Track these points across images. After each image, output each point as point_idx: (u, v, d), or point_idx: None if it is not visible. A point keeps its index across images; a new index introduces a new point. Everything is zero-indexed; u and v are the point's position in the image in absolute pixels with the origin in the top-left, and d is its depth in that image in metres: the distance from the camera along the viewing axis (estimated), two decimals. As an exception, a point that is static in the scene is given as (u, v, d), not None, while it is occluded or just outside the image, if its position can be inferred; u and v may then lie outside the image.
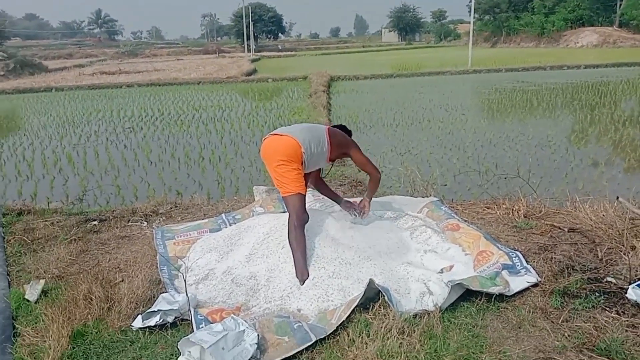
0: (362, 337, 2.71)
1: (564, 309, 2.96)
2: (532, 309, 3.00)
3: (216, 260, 3.68)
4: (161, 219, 4.84)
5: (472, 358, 2.60)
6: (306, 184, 3.79)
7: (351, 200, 4.26)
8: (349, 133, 4.08)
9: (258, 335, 2.66)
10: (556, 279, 3.25)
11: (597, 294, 3.06)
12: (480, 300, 3.08)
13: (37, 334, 2.88)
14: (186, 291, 2.98)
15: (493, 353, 2.64)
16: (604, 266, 3.37)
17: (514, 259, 3.43)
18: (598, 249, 3.59)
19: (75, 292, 3.16)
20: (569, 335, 2.74)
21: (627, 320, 2.82)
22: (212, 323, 2.83)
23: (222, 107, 14.71)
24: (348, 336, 2.75)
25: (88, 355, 2.74)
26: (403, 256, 3.61)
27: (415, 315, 2.92)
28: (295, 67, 28.64)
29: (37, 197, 6.45)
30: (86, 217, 4.88)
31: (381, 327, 2.75)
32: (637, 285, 3.00)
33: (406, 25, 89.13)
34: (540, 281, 3.25)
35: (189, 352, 2.59)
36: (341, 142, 3.83)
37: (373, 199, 4.95)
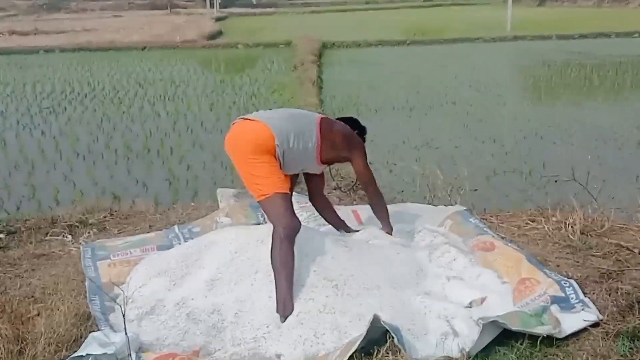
0: (363, 393, 2.72)
1: (634, 357, 2.98)
2: (591, 357, 3.01)
3: (166, 289, 3.66)
4: (92, 232, 4.81)
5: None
6: (291, 188, 3.80)
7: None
8: (363, 131, 4.09)
9: (223, 389, 2.66)
10: (623, 317, 3.27)
11: (677, 337, 3.09)
12: (522, 344, 3.09)
13: None
14: (125, 329, 2.97)
15: (539, 415, 2.66)
16: (687, 300, 3.41)
17: (567, 289, 3.46)
18: (679, 277, 3.63)
19: (-28, 330, 3.13)
20: (639, 392, 2.77)
21: None
22: (160, 373, 2.82)
23: (175, 82, 14.67)
24: (344, 391, 2.76)
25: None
26: (419, 284, 3.62)
27: (434, 364, 2.92)
28: (275, 29, 28.67)
29: None
30: (-12, 228, 4.86)
31: (389, 380, 2.76)
32: None
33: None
34: (601, 320, 3.27)
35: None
36: (340, 139, 3.81)
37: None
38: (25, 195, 6.61)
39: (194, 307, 3.42)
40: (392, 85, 13.70)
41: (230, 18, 41.02)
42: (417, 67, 16.91)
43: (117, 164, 7.81)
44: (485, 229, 4.39)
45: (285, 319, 3.22)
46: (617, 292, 3.51)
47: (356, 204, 5.20)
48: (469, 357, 2.97)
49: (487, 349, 3.07)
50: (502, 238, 4.28)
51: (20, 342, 3.08)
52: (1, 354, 3.00)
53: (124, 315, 2.96)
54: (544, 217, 4.70)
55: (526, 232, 4.55)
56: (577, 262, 4.02)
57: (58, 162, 7.93)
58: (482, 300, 3.50)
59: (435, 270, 3.83)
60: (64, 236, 4.73)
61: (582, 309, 3.31)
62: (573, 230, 4.40)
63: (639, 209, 4.69)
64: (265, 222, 4.49)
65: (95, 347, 2.95)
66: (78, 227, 4.90)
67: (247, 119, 3.66)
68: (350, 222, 4.60)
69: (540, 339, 3.09)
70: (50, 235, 4.74)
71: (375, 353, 2.95)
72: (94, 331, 3.18)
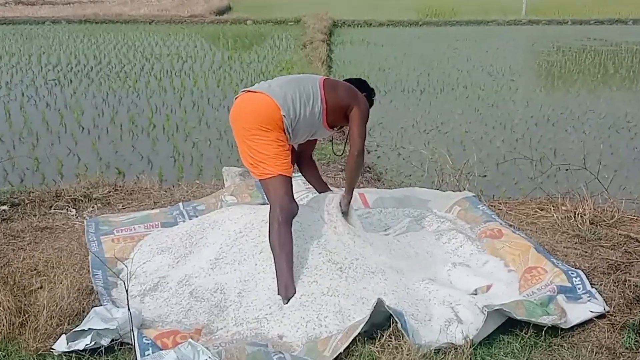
0: (365, 377, 2.74)
1: (639, 350, 3.00)
2: (595, 349, 3.03)
3: (170, 266, 3.69)
4: (96, 207, 4.84)
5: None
6: (293, 162, 3.75)
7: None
8: (370, 93, 3.90)
9: (224, 368, 2.68)
10: (630, 310, 3.28)
11: (684, 331, 3.10)
12: (526, 333, 3.10)
13: None
14: (128, 305, 2.99)
15: (541, 404, 2.68)
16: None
17: (574, 279, 3.47)
18: (688, 271, 3.64)
19: (-25, 301, 3.16)
20: (643, 385, 2.79)
21: None
22: (162, 350, 2.84)
23: (182, 57, 14.65)
24: (346, 375, 2.79)
25: (-9, 387, 2.76)
26: (424, 270, 3.64)
27: (437, 351, 2.94)
28: (285, 6, 28.49)
29: None
30: (-8, 200, 4.88)
31: (391, 364, 2.77)
32: None
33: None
34: (608, 311, 3.28)
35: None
36: (343, 97, 3.62)
37: (386, 191, 4.99)
38: (30, 168, 6.64)
39: (197, 285, 3.44)
40: (403, 66, 13.65)
41: (240, -7, 40.76)
42: (429, 48, 16.82)
43: (122, 139, 7.83)
44: (493, 216, 4.40)
45: (288, 300, 3.23)
46: (624, 284, 3.52)
47: (363, 187, 5.20)
48: (473, 345, 2.98)
49: (491, 337, 3.08)
50: (510, 226, 4.29)
51: (22, 314, 3.11)
52: (3, 325, 3.04)
53: (127, 291, 2.98)
54: (553, 206, 4.71)
55: (535, 221, 4.56)
56: (586, 252, 4.03)
57: (63, 135, 7.96)
58: (488, 287, 3.52)
59: (441, 256, 3.84)
60: (67, 210, 4.76)
61: (589, 300, 3.31)
62: (582, 220, 4.40)
63: (651, 200, 4.69)
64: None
65: (97, 322, 2.97)
66: (82, 201, 4.93)
67: (249, 91, 3.55)
68: (357, 205, 4.61)
69: (545, 328, 3.10)
70: (54, 209, 4.77)
71: (378, 337, 2.97)
72: (96, 306, 3.21)
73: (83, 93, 10.54)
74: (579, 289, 3.40)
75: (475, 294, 3.46)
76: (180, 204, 4.66)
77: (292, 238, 3.38)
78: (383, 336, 2.97)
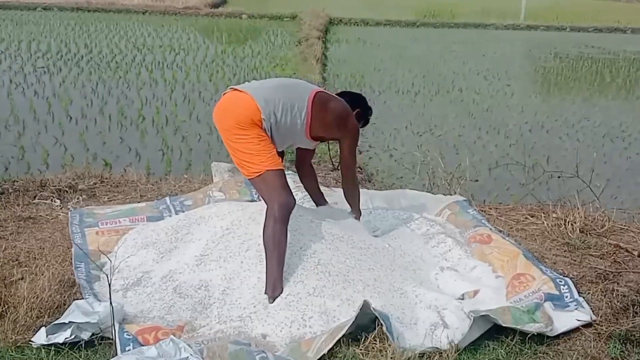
0: (347, 379, 2.75)
1: (624, 360, 3.03)
2: (581, 357, 3.05)
3: (154, 260, 3.69)
4: (81, 198, 4.82)
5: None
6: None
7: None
8: (367, 112, 3.96)
9: (206, 366, 2.68)
10: (617, 320, 3.31)
11: (670, 342, 3.12)
12: (512, 340, 3.12)
13: None
14: (110, 299, 2.99)
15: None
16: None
17: (561, 287, 3.49)
18: (676, 283, 3.66)
19: (-46, 290, 3.15)
20: (627, 396, 2.81)
21: None
22: (143, 345, 2.84)
23: (174, 49, 14.60)
24: (329, 376, 2.79)
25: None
26: (412, 273, 3.65)
27: (422, 355, 2.95)
28: (281, 1, 28.47)
29: None
30: (-25, 188, 4.86)
31: (375, 367, 2.78)
32: None
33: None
34: (595, 320, 3.30)
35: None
36: (332, 119, 3.62)
37: (376, 192, 5.00)
38: (15, 157, 6.60)
39: (181, 282, 3.44)
40: (399, 67, 13.66)
41: (236, -13, 40.69)
42: (426, 50, 16.85)
43: (110, 130, 7.80)
44: (483, 221, 4.42)
45: (274, 300, 3.23)
46: (612, 294, 3.54)
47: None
48: (458, 350, 3.00)
49: (476, 343, 3.10)
50: (500, 231, 4.31)
51: (1, 305, 3.10)
52: (-18, 316, 3.03)
53: (109, 285, 2.98)
54: (544, 213, 4.73)
55: (525, 227, 4.59)
56: (574, 260, 4.06)
57: (50, 124, 7.91)
58: (475, 293, 3.53)
59: (429, 260, 3.86)
60: (52, 200, 4.74)
61: (576, 309, 3.33)
62: (573, 228, 4.43)
63: (641, 211, 4.72)
64: (259, 200, 4.51)
65: (78, 315, 2.97)
66: (67, 192, 4.91)
67: (236, 89, 3.53)
68: (346, 205, 4.62)
69: (530, 336, 3.12)
70: (39, 199, 4.75)
71: (362, 339, 2.98)
72: (78, 299, 3.20)
73: (72, 82, 10.48)
74: (567, 297, 3.42)
75: (462, 299, 3.48)
76: (167, 198, 4.66)
77: (287, 238, 3.37)
78: (368, 338, 2.98)
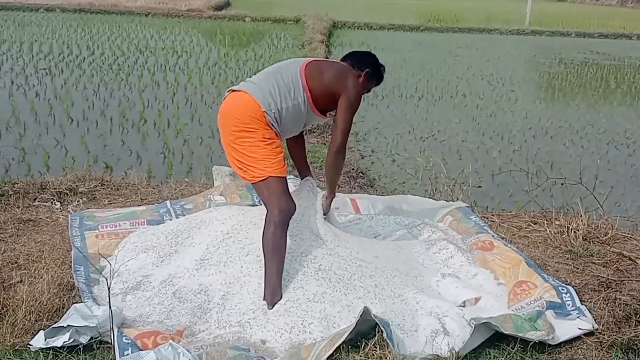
0: (347, 386, 2.75)
1: (626, 369, 3.02)
2: (582, 366, 3.05)
3: (154, 264, 3.69)
4: (81, 201, 4.83)
5: None
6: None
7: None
8: (377, 70, 3.70)
9: (204, 371, 2.68)
10: (619, 328, 3.31)
11: (672, 352, 3.12)
12: (513, 348, 3.12)
13: None
14: (109, 303, 2.99)
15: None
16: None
17: (564, 295, 3.49)
18: (679, 292, 3.66)
19: (-48, 293, 3.16)
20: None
21: None
22: (141, 350, 2.85)
23: (177, 52, 14.63)
24: (328, 383, 2.79)
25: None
26: (413, 279, 3.65)
27: (422, 362, 2.95)
28: (285, 4, 28.52)
29: None
30: (-25, 189, 4.87)
31: (375, 374, 2.79)
32: None
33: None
34: (597, 329, 3.30)
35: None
36: (330, 82, 3.45)
37: (378, 198, 5.00)
38: (15, 158, 6.61)
39: (180, 286, 3.44)
40: (402, 72, 13.67)
41: (240, -11, 40.79)
42: (430, 54, 16.87)
43: (112, 133, 7.81)
44: (485, 227, 4.42)
45: (273, 306, 3.23)
46: (614, 302, 3.54)
47: (355, 192, 5.22)
48: (459, 358, 2.99)
49: (477, 350, 3.10)
50: (502, 238, 4.31)
51: (0, 308, 3.10)
52: (-20, 318, 3.04)
53: (109, 289, 2.97)
54: (546, 220, 4.73)
55: (527, 234, 4.58)
56: (577, 268, 4.05)
57: (51, 126, 7.94)
58: (476, 300, 3.53)
59: (431, 267, 3.85)
60: (52, 203, 4.74)
61: (578, 317, 3.33)
62: (575, 236, 4.43)
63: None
64: (260, 204, 4.52)
65: (76, 319, 2.97)
66: (67, 194, 4.92)
67: (233, 90, 3.51)
68: (348, 210, 4.63)
69: (532, 344, 3.12)
70: (38, 201, 4.76)
71: (362, 346, 2.98)
72: (76, 302, 3.20)
73: (74, 84, 10.51)
74: (569, 305, 3.42)
75: (464, 306, 3.48)
76: (167, 201, 4.66)
77: (287, 243, 3.37)
78: (368, 345, 2.97)
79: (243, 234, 3.69)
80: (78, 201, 4.81)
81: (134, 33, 17.66)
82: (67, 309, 3.09)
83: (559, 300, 3.43)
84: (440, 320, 3.23)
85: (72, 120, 8.29)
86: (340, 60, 3.75)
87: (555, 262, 4.13)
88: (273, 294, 3.26)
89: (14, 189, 4.94)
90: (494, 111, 10.31)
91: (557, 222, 4.65)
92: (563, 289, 3.54)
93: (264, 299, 3.27)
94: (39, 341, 2.93)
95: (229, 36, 17.81)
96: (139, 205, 4.70)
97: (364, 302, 3.23)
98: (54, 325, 2.97)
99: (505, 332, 3.12)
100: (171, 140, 7.59)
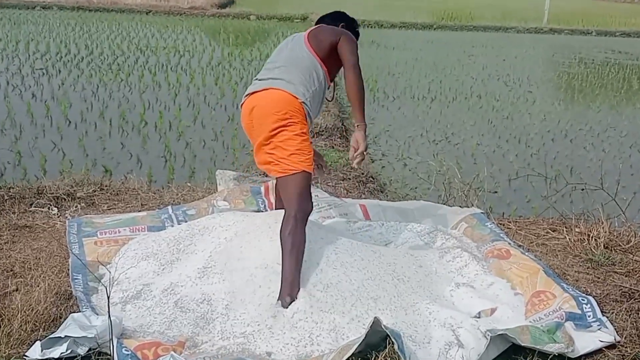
0: (356, 400, 2.75)
1: (650, 384, 3.01)
2: (603, 381, 3.04)
3: (155, 272, 3.70)
4: (79, 206, 4.84)
5: None
6: None
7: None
8: (351, 23, 3.89)
9: (207, 384, 2.69)
10: (642, 341, 3.30)
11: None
12: (530, 361, 3.11)
13: None
14: (109, 313, 3.00)
15: None
16: None
17: (584, 306, 3.47)
18: None
19: (-54, 301, 3.18)
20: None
21: None
22: (142, 362, 2.85)
23: (179, 51, 14.69)
24: (337, 397, 2.79)
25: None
26: (425, 289, 3.65)
27: (435, 375, 2.95)
28: (292, 2, 28.59)
29: None
30: (-31, 194, 4.88)
31: (385, 388, 2.79)
32: None
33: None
34: (619, 341, 3.28)
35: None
36: (327, 38, 3.60)
37: (389, 204, 5.00)
38: (11, 162, 6.63)
39: (182, 295, 3.45)
40: (414, 72, 13.69)
41: (244, -14, 40.93)
42: (443, 54, 16.87)
43: (111, 136, 7.84)
44: (501, 235, 4.41)
45: (290, 303, 3.26)
46: (637, 314, 3.53)
47: (364, 198, 5.21)
48: (473, 371, 2.99)
49: (493, 364, 3.09)
50: (519, 246, 4.30)
51: (-5, 317, 3.12)
52: (-25, 328, 3.05)
53: (108, 298, 2.98)
54: (566, 227, 4.72)
55: (546, 242, 4.57)
56: (598, 278, 4.04)
57: (48, 128, 7.97)
58: (492, 311, 3.52)
59: (444, 276, 3.85)
60: (49, 208, 4.76)
61: (599, 329, 3.32)
62: (596, 244, 4.41)
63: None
64: (265, 210, 4.53)
65: (74, 329, 2.97)
66: (65, 199, 4.93)
67: (254, 92, 3.57)
68: (357, 217, 4.63)
69: (551, 357, 3.11)
70: (35, 207, 4.77)
71: (372, 358, 2.98)
72: (74, 312, 3.21)
73: (72, 84, 10.56)
74: (589, 316, 3.40)
75: (479, 317, 3.47)
76: (169, 207, 4.67)
77: (306, 240, 3.42)
78: (378, 357, 2.97)
79: (247, 241, 3.69)
80: (76, 206, 4.83)
81: (135, 32, 17.74)
82: (65, 319, 3.09)
83: (579, 311, 3.41)
84: (454, 332, 3.23)
85: (69, 122, 8.32)
86: (315, 25, 3.88)
87: (575, 271, 4.11)
88: (292, 289, 3.30)
89: (10, 193, 4.96)
90: (511, 113, 10.29)
91: (577, 230, 4.63)
92: (583, 300, 3.52)
93: (278, 300, 3.30)
94: (35, 352, 2.93)
95: (233, 35, 17.87)
96: (140, 211, 4.71)
97: (375, 312, 3.23)
98: (51, 336, 2.97)
99: (523, 345, 3.11)
100: (173, 143, 7.60)
